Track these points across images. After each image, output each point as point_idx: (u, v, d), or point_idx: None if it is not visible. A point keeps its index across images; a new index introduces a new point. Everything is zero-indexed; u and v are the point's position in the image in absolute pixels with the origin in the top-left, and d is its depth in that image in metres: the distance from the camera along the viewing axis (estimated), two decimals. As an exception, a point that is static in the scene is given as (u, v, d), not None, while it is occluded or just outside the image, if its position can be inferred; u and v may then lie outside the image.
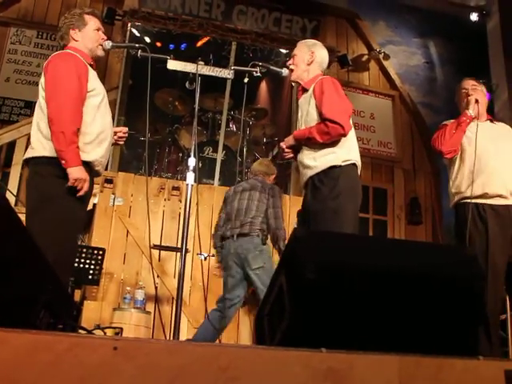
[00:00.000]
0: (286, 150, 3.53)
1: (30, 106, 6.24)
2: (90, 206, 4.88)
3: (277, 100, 8.69)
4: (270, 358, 1.57)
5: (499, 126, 3.71)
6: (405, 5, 8.17)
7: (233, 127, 7.69)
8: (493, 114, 3.81)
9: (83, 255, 4.88)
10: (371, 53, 8.00)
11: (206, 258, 5.19)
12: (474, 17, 7.87)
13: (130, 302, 5.18)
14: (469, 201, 3.45)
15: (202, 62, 3.29)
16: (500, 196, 3.42)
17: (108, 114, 3.27)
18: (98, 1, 7.03)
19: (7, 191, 5.31)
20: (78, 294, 5.30)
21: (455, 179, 3.59)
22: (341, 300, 1.77)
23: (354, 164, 3.34)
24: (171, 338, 3.23)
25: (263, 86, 9.18)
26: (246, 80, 3.55)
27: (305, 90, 3.54)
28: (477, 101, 3.61)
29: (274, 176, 5.17)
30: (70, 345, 1.39)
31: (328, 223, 3.17)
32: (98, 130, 3.11)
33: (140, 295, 5.20)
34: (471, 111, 3.60)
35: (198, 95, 3.31)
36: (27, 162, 3.08)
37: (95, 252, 4.98)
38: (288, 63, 3.63)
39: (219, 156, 6.99)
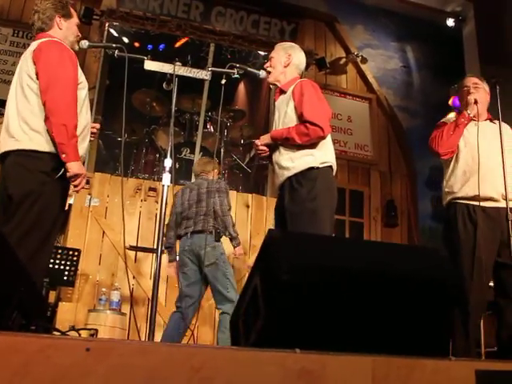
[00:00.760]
0: (261, 147, 3.52)
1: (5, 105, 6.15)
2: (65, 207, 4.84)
3: (255, 101, 8.70)
4: (244, 359, 1.57)
5: (498, 126, 3.67)
6: (383, 9, 8.23)
7: (210, 128, 7.68)
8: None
9: (58, 256, 4.84)
10: (349, 56, 8.04)
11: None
12: (450, 22, 7.98)
13: (106, 303, 5.15)
14: (460, 201, 3.51)
15: (179, 63, 3.28)
16: (491, 199, 3.44)
17: (89, 108, 3.20)
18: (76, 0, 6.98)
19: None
20: (52, 295, 5.25)
21: (449, 179, 3.62)
22: (315, 301, 1.78)
23: (331, 166, 3.37)
24: (146, 340, 3.21)
25: (241, 87, 9.19)
26: (223, 81, 3.55)
27: (282, 92, 3.55)
28: (476, 101, 3.60)
29: (217, 170, 5.17)
30: (41, 346, 1.38)
31: (306, 225, 3.18)
32: (84, 124, 3.04)
33: (115, 296, 5.16)
34: (469, 112, 3.60)
35: (175, 96, 3.30)
36: (6, 154, 2.90)
37: (70, 253, 4.94)
38: (265, 65, 3.64)
39: (196, 157, 6.98)
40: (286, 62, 3.55)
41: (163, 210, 3.08)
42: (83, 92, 3.08)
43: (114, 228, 5.67)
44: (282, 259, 1.76)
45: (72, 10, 3.18)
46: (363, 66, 8.09)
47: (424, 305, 1.91)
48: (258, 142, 3.56)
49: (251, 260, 5.88)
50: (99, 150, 7.09)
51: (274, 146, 3.47)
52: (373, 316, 1.86)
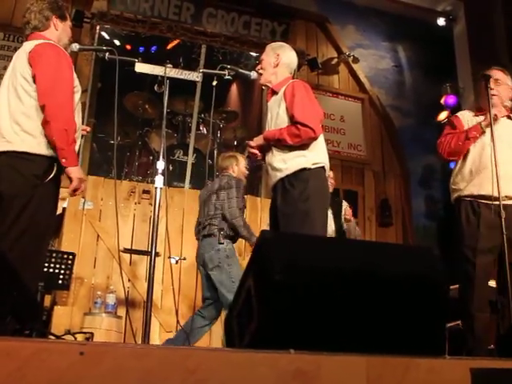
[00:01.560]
0: (252, 150, 3.52)
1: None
2: (59, 210, 4.83)
3: (247, 103, 8.70)
4: (239, 360, 1.57)
5: None
6: (374, 9, 8.25)
7: (203, 130, 7.68)
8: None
9: (53, 260, 4.82)
10: (341, 56, 8.05)
11: (177, 262, 5.17)
12: (441, 21, 8.01)
13: (101, 306, 5.14)
14: (465, 198, 3.54)
15: (171, 65, 3.28)
16: (496, 199, 3.42)
17: (81, 111, 3.20)
18: (66, 2, 6.94)
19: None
20: (48, 299, 5.23)
21: (456, 176, 3.65)
22: (308, 301, 1.78)
23: (323, 167, 3.36)
24: (142, 342, 3.21)
25: (233, 88, 9.18)
26: (214, 83, 3.56)
27: (274, 93, 3.54)
28: (496, 118, 3.53)
29: (235, 164, 5.01)
30: (35, 350, 1.37)
31: (298, 226, 3.18)
32: (76, 127, 3.02)
33: (111, 300, 5.15)
34: (484, 128, 3.55)
35: (166, 98, 3.30)
36: None
37: (65, 256, 4.92)
38: (257, 68, 3.64)
39: (190, 159, 6.98)
40: (275, 62, 3.54)
41: (157, 213, 3.08)
42: (77, 95, 3.07)
43: (109, 231, 5.66)
44: (274, 260, 1.77)
45: (66, 13, 3.19)
46: (355, 66, 8.10)
47: (417, 304, 1.92)
48: (251, 142, 3.56)
49: (246, 261, 5.87)
50: (92, 152, 7.07)
51: (267, 147, 3.47)
52: (366, 316, 1.86)
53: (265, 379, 1.54)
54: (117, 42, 7.54)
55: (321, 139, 3.41)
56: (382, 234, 7.55)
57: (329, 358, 1.63)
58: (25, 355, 1.35)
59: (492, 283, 3.56)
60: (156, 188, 3.11)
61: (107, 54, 3.28)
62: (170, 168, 6.83)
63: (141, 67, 3.30)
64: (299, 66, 7.49)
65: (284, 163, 3.33)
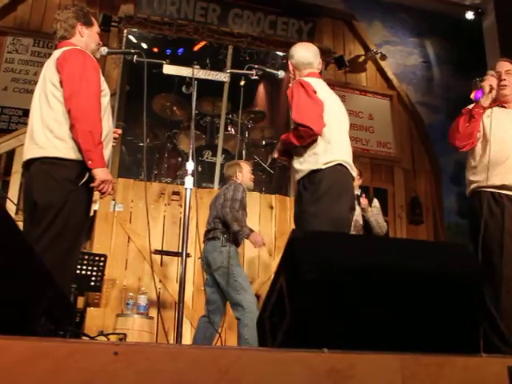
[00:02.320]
0: (279, 157, 3.54)
1: (28, 114, 6.24)
2: (90, 213, 4.88)
3: (275, 102, 8.69)
4: (271, 360, 1.57)
5: None
6: (400, 5, 8.17)
7: (231, 130, 7.69)
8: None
9: (85, 262, 4.89)
10: (368, 53, 8.00)
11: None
12: (469, 15, 7.88)
13: (133, 307, 5.18)
14: (485, 189, 3.43)
15: (198, 66, 3.29)
16: None
17: (111, 115, 3.23)
18: (94, 7, 6.99)
19: (7, 200, 5.31)
20: (81, 301, 5.30)
21: (474, 167, 3.53)
22: (340, 300, 1.77)
23: (340, 164, 3.27)
24: (174, 343, 3.22)
25: (261, 88, 9.18)
26: (242, 83, 3.56)
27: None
28: (491, 89, 3.46)
29: (238, 171, 5.05)
30: (69, 351, 1.38)
31: (307, 226, 3.16)
32: (106, 130, 3.05)
33: (143, 301, 5.19)
34: (483, 101, 3.48)
35: (194, 99, 3.31)
36: (31, 162, 2.93)
37: (97, 258, 4.98)
38: (289, 75, 3.64)
39: (218, 160, 6.99)
40: (291, 68, 3.52)
41: (187, 214, 3.09)
42: (105, 99, 3.10)
43: (139, 233, 5.71)
44: (305, 259, 1.76)
45: (93, 19, 3.22)
46: (383, 63, 8.04)
47: (452, 301, 1.89)
48: (274, 154, 3.58)
49: (276, 262, 5.87)
50: (122, 155, 7.14)
51: (292, 150, 3.46)
52: (400, 314, 1.84)
53: (298, 378, 1.54)
54: (144, 45, 7.60)
55: (336, 135, 3.32)
56: (412, 231, 7.48)
57: (363, 356, 1.62)
58: (60, 355, 1.37)
59: None
60: (186, 189, 3.12)
61: (135, 56, 3.31)
62: (199, 169, 6.86)
63: (169, 69, 3.32)
64: (326, 64, 7.49)
65: (300, 164, 3.32)
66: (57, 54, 3.03)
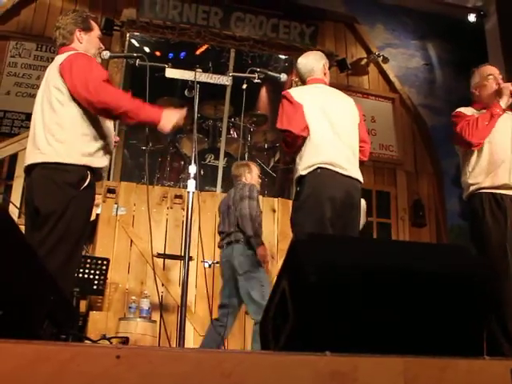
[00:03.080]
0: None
1: (31, 118, 6.25)
2: (93, 217, 4.89)
3: (277, 105, 8.64)
4: (274, 363, 1.56)
5: None
6: (402, 7, 8.17)
7: (234, 134, 7.69)
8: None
9: (87, 265, 4.89)
10: (370, 56, 8.00)
11: (210, 266, 5.19)
12: (471, 17, 7.87)
13: (136, 311, 5.18)
14: (486, 191, 3.43)
15: (200, 70, 3.29)
16: None
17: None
18: (96, 12, 7.03)
19: (10, 204, 5.32)
20: (83, 305, 5.30)
21: (473, 170, 3.53)
22: (343, 302, 1.77)
23: (321, 167, 3.20)
24: (176, 346, 3.22)
25: (263, 92, 9.18)
26: (244, 86, 3.57)
27: None
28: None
29: (247, 172, 5.02)
30: (72, 354, 1.39)
31: (293, 234, 3.19)
32: (108, 135, 3.07)
33: (145, 304, 5.19)
34: (504, 103, 3.50)
35: (197, 102, 3.32)
36: (32, 167, 2.92)
37: (99, 262, 4.98)
38: None
39: (221, 163, 7.00)
40: (297, 80, 3.58)
41: (189, 217, 3.09)
42: None
43: (142, 236, 5.70)
44: (308, 261, 1.76)
45: (93, 23, 3.22)
46: (385, 66, 8.04)
47: (454, 304, 1.89)
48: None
49: (279, 264, 5.87)
50: (124, 159, 7.15)
51: None
52: (403, 316, 1.84)
53: (301, 381, 1.53)
54: (146, 49, 7.63)
55: (322, 137, 3.27)
56: (415, 234, 7.46)
57: (366, 359, 1.61)
58: (62, 359, 1.37)
59: None
60: (188, 192, 3.13)
61: (137, 60, 3.31)
62: (202, 172, 6.86)
63: (171, 72, 3.32)
64: (329, 67, 7.48)
65: (294, 172, 3.36)
66: (59, 58, 3.03)
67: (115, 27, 6.95)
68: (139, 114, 2.88)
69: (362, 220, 5.21)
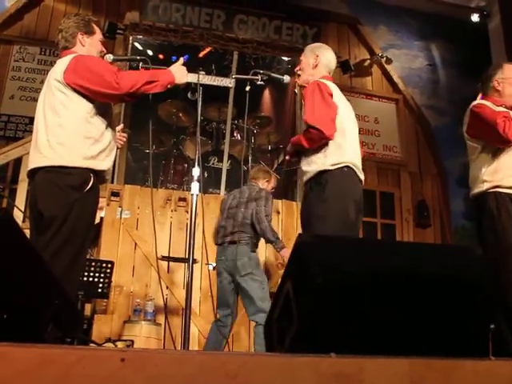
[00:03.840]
0: (291, 160, 3.54)
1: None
2: (97, 220, 4.89)
3: (280, 107, 8.70)
4: (279, 365, 1.56)
5: None
6: (405, 8, 8.17)
7: (237, 136, 7.70)
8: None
9: (92, 269, 4.88)
10: (373, 57, 8.00)
11: (214, 268, 5.18)
12: (475, 18, 7.87)
13: (140, 314, 5.18)
14: (504, 190, 3.33)
15: (203, 72, 3.29)
16: None
17: (114, 121, 3.24)
18: (99, 15, 7.05)
19: (15, 208, 5.33)
20: (88, 308, 5.30)
21: (491, 167, 3.40)
22: (348, 304, 1.76)
23: (348, 166, 3.24)
24: (181, 349, 3.22)
25: (266, 94, 9.20)
26: (247, 88, 3.56)
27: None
28: None
29: (266, 180, 5.11)
30: (77, 358, 1.38)
31: (314, 230, 3.12)
32: (110, 137, 3.07)
33: (150, 307, 5.20)
34: None
35: (200, 105, 3.32)
36: (36, 171, 2.93)
37: (104, 265, 4.98)
38: (295, 69, 3.64)
39: (225, 165, 7.01)
40: (314, 63, 3.52)
41: (193, 220, 3.09)
42: (109, 107, 3.13)
43: (146, 239, 5.71)
44: (312, 263, 1.75)
45: (95, 27, 3.23)
46: (388, 67, 8.04)
47: (460, 304, 1.88)
48: (287, 157, 3.58)
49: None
50: (128, 162, 7.16)
51: (301, 152, 3.45)
52: (408, 317, 1.83)
53: (306, 383, 1.53)
54: (150, 52, 7.65)
55: (345, 137, 3.30)
56: (420, 235, 7.46)
57: (371, 360, 1.61)
58: (68, 362, 1.37)
59: None
60: (192, 195, 3.12)
61: (141, 63, 3.32)
62: (206, 175, 6.88)
63: (174, 75, 3.32)
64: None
65: (309, 166, 3.30)
66: (62, 62, 3.03)
67: (118, 30, 6.97)
68: (157, 84, 2.98)
69: None
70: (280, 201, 6.48)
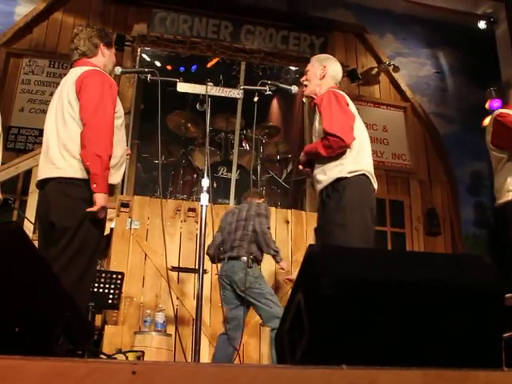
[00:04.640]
0: (302, 168, 3.54)
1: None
2: (107, 231, 4.90)
3: (288, 117, 8.71)
4: (290, 377, 1.55)
5: None
6: (412, 16, 8.18)
7: (246, 146, 7.72)
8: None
9: (102, 280, 4.89)
10: (381, 66, 8.00)
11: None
12: (482, 24, 7.86)
13: (151, 325, 5.18)
14: None
15: (211, 83, 3.31)
16: None
17: (125, 135, 3.25)
18: (107, 28, 7.06)
19: (25, 220, 5.35)
20: (98, 319, 5.30)
21: None
22: (359, 315, 1.75)
23: (364, 174, 3.27)
24: (192, 360, 3.22)
25: (274, 103, 9.21)
26: (255, 99, 3.57)
27: (316, 105, 3.53)
28: None
29: (262, 200, 5.28)
30: (88, 371, 1.38)
31: (334, 238, 3.13)
32: (121, 152, 3.08)
33: (160, 318, 5.19)
34: None
35: (208, 116, 3.33)
36: (46, 181, 2.95)
37: (114, 276, 4.99)
38: (302, 79, 3.65)
39: (233, 175, 7.01)
40: (321, 73, 3.53)
41: (203, 230, 3.09)
42: (119, 121, 3.12)
43: (156, 250, 5.71)
44: (323, 274, 1.74)
45: (112, 40, 3.27)
46: (395, 75, 8.04)
47: (472, 314, 1.87)
48: (299, 165, 3.59)
49: (293, 275, 5.85)
50: (138, 173, 7.18)
51: (312, 161, 3.45)
52: (420, 328, 1.82)
53: (318, 395, 1.52)
54: (158, 63, 7.69)
55: (361, 146, 3.35)
56: (430, 243, 7.42)
57: (383, 372, 1.59)
58: (79, 375, 1.37)
59: None
60: (201, 205, 3.12)
61: (149, 75, 3.33)
62: (215, 185, 6.88)
63: (183, 87, 3.34)
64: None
65: (324, 175, 3.30)
66: (76, 73, 3.05)
67: (126, 42, 7.03)
68: (102, 178, 2.86)
69: None
70: (289, 210, 6.47)
